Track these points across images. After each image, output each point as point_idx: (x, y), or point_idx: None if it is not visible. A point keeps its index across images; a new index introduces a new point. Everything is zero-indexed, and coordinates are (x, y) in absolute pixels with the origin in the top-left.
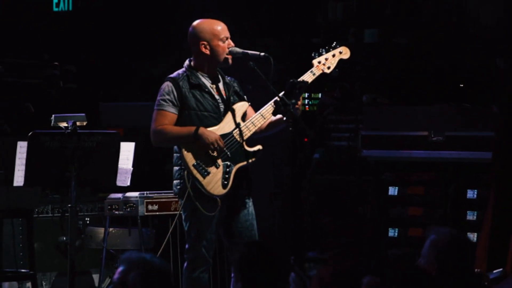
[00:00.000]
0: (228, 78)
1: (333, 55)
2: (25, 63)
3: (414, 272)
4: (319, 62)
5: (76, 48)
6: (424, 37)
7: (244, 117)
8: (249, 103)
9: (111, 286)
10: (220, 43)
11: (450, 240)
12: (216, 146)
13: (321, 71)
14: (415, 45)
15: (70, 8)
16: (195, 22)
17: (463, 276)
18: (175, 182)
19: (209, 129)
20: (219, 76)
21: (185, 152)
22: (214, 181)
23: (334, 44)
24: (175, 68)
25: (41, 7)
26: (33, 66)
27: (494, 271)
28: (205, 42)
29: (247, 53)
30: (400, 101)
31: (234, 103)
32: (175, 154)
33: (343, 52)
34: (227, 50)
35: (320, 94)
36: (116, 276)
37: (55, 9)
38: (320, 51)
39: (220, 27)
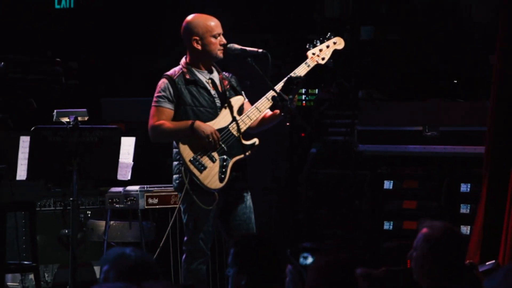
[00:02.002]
0: (226, 73)
1: (327, 46)
2: (28, 60)
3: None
4: (314, 54)
5: (78, 45)
6: (419, 34)
7: (240, 111)
8: (245, 98)
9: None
10: (213, 39)
11: (444, 233)
12: (212, 138)
13: (315, 62)
14: (410, 42)
15: (72, 5)
16: (189, 17)
17: (457, 268)
18: (174, 176)
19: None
20: (215, 71)
21: (181, 148)
22: (211, 175)
23: (328, 35)
24: (175, 63)
25: (43, 4)
26: (36, 62)
27: (487, 263)
28: (197, 38)
29: (245, 49)
30: (395, 96)
31: (230, 98)
32: (174, 149)
33: (337, 43)
34: (219, 47)
35: (317, 90)
36: (101, 276)
37: (57, 6)
38: (315, 43)
39: (213, 23)
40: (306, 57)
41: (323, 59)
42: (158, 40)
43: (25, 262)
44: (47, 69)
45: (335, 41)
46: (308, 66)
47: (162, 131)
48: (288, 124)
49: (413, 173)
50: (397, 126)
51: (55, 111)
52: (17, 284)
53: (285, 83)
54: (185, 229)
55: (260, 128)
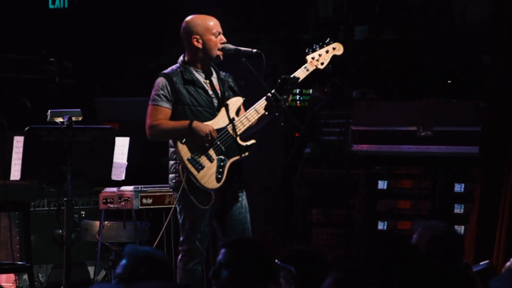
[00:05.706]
0: (223, 73)
1: (327, 51)
2: (22, 59)
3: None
4: (313, 58)
5: (73, 45)
6: (413, 34)
7: (238, 112)
8: (244, 99)
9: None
10: (212, 37)
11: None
12: (210, 138)
13: (314, 67)
14: (404, 42)
15: (66, 5)
16: (188, 17)
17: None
18: (170, 176)
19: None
20: (213, 71)
21: (179, 146)
22: (208, 175)
23: (327, 40)
24: (171, 63)
25: (37, 4)
26: (30, 62)
27: (481, 263)
28: (197, 36)
29: (240, 49)
30: (389, 96)
31: (228, 98)
32: (170, 149)
33: (337, 48)
34: (219, 45)
35: (311, 90)
36: (120, 270)
37: (51, 6)
38: (314, 47)
39: (212, 22)
40: (302, 60)
41: (322, 64)
42: (154, 40)
43: (19, 262)
44: (42, 69)
45: (334, 47)
46: (307, 70)
47: (160, 130)
48: (282, 124)
49: (407, 173)
50: (391, 126)
51: (49, 111)
52: (11, 284)
53: (280, 83)
54: (181, 229)
55: (252, 130)
